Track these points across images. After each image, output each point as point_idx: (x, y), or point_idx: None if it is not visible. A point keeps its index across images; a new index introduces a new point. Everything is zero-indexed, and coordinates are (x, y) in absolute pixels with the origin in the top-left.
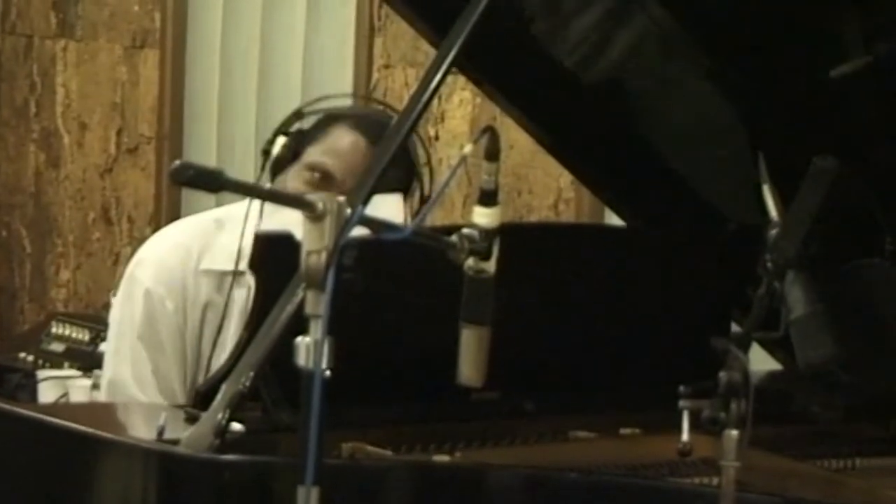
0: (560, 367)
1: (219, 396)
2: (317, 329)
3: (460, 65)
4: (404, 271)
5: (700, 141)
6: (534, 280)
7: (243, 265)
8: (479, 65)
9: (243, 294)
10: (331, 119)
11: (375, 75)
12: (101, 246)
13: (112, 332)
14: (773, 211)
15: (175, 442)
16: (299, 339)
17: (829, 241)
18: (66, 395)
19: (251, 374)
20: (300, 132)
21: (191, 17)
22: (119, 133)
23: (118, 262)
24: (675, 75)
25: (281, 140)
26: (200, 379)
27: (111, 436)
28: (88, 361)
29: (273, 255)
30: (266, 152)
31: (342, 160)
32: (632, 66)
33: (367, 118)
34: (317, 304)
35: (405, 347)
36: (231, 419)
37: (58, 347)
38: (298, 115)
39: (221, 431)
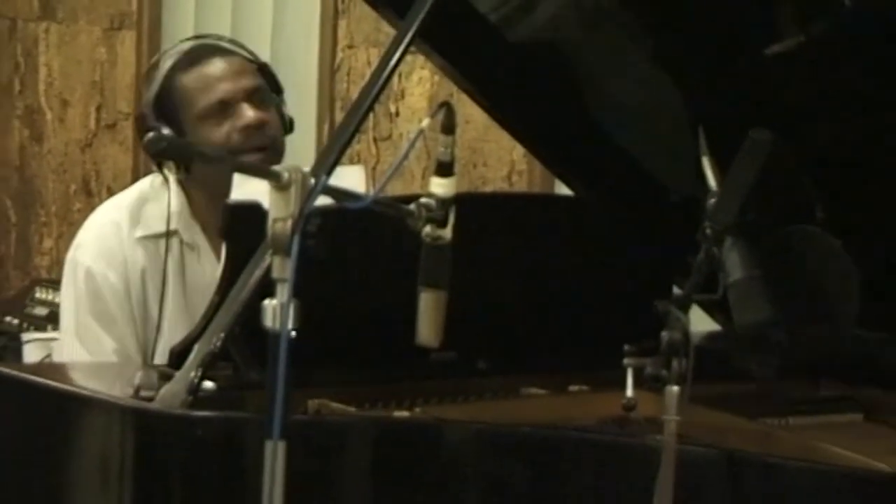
0: (512, 328)
1: (191, 356)
2: (283, 292)
3: (418, 44)
4: (367, 238)
5: (643, 116)
6: (488, 247)
7: (172, 226)
8: (435, 44)
9: (175, 249)
10: (172, 76)
11: (340, 55)
12: (81, 216)
13: (64, 315)
14: (711, 182)
15: (150, 399)
16: (266, 301)
17: (764, 209)
18: (49, 355)
19: (222, 335)
20: (162, 119)
21: (165, 3)
22: (98, 110)
23: None
24: (619, 53)
25: (165, 130)
26: (151, 342)
27: (90, 393)
28: None
29: (241, 223)
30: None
31: (216, 81)
32: (565, 32)
33: (189, 51)
34: (283, 269)
35: (367, 310)
36: (203, 378)
37: (41, 311)
38: (143, 117)
39: (194, 389)
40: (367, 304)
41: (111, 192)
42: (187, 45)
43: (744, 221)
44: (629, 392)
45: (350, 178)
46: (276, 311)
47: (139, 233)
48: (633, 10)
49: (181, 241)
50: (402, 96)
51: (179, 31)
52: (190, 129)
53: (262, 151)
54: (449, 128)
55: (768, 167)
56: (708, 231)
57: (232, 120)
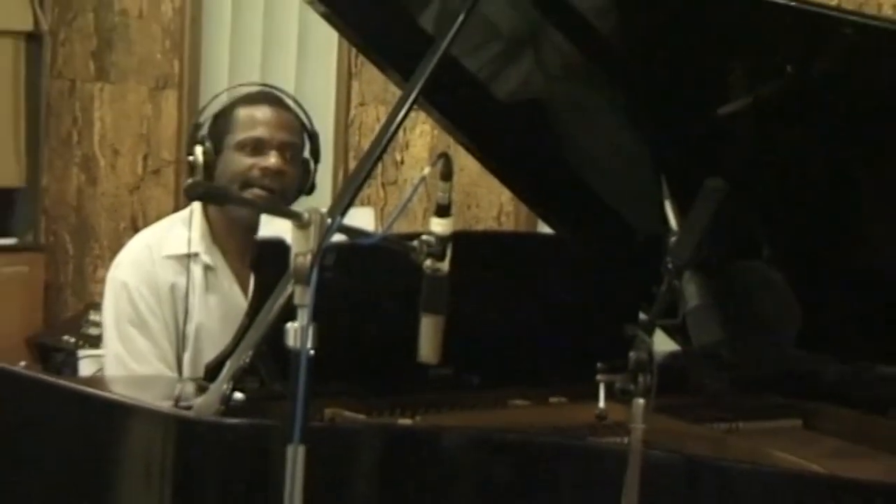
0: (501, 348)
1: (224, 371)
2: (303, 316)
3: (420, 103)
4: (375, 270)
5: (614, 165)
6: (481, 277)
7: (194, 249)
8: (434, 103)
9: (199, 271)
10: (233, 106)
11: (353, 111)
12: None
13: (106, 324)
14: (672, 222)
15: (188, 408)
16: (289, 324)
17: (718, 247)
18: (101, 369)
19: (250, 352)
20: (210, 134)
21: (203, 64)
22: (145, 158)
23: None
24: (594, 111)
25: (199, 148)
26: (182, 346)
27: (136, 403)
28: None
29: (268, 257)
30: (191, 163)
31: (262, 125)
32: (547, 94)
33: (257, 93)
34: (303, 296)
35: (376, 332)
36: (234, 390)
37: (95, 331)
38: (198, 126)
39: (226, 399)
40: (376, 326)
41: None
42: (257, 87)
43: (700, 257)
44: (601, 403)
45: (361, 218)
46: (298, 333)
47: (165, 252)
48: (607, 74)
49: (203, 263)
50: (407, 147)
51: (215, 90)
52: (225, 151)
53: (271, 193)
54: (446, 175)
55: (721, 211)
56: (669, 265)
57: (258, 159)
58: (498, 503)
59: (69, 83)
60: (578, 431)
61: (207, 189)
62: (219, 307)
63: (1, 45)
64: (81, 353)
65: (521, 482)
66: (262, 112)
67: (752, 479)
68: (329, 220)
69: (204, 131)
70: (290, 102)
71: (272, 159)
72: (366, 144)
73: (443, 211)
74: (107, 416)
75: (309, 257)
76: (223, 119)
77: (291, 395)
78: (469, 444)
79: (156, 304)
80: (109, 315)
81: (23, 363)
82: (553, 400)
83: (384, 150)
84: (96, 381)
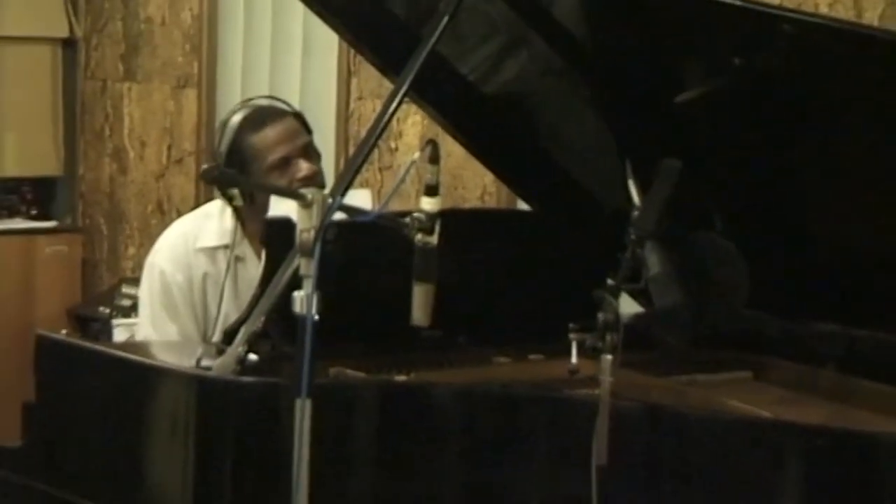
0: (485, 312)
1: (239, 335)
2: (308, 285)
3: (410, 96)
4: (374, 245)
5: (584, 149)
6: (466, 249)
7: (225, 241)
8: (423, 95)
9: (229, 262)
10: (240, 140)
11: (352, 105)
12: (157, 230)
13: (142, 304)
14: (635, 198)
15: (208, 368)
16: (296, 293)
17: (677, 220)
18: (132, 336)
19: (262, 318)
20: (226, 164)
21: (219, 65)
22: (169, 149)
23: None
24: (567, 101)
25: (235, 191)
26: (209, 329)
27: (162, 364)
28: None
29: (277, 233)
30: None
31: (278, 143)
32: (525, 87)
33: (256, 115)
34: (308, 268)
35: (374, 300)
36: (248, 351)
37: (126, 302)
38: (217, 167)
39: (242, 360)
40: (375, 294)
41: (179, 212)
42: (248, 109)
43: (660, 229)
44: (574, 359)
45: (360, 198)
46: (303, 300)
47: (199, 244)
48: (577, 71)
49: (233, 255)
50: (400, 136)
51: (230, 88)
52: (260, 179)
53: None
54: (434, 159)
55: (679, 189)
56: (632, 236)
57: (292, 172)
58: (482, 449)
59: (101, 83)
60: (553, 385)
61: (221, 173)
62: (247, 293)
63: (40, 51)
64: (115, 322)
65: (503, 430)
66: (272, 131)
67: (708, 423)
68: (330, 200)
69: (226, 167)
70: (278, 105)
71: (303, 167)
72: (363, 134)
73: (431, 191)
74: (137, 376)
75: (312, 233)
76: (239, 154)
77: (298, 355)
78: (455, 396)
79: (188, 290)
80: (145, 296)
81: (64, 331)
82: (531, 357)
83: (378, 139)
84: (128, 346)
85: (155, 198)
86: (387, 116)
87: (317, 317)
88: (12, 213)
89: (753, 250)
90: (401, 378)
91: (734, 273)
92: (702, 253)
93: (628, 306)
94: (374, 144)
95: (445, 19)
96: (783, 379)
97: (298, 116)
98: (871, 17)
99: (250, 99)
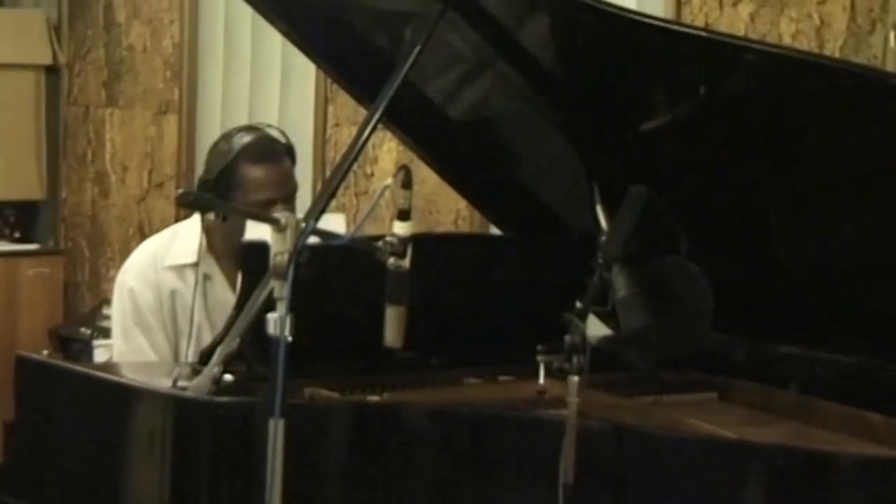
0: (456, 334)
1: (215, 356)
2: (281, 307)
3: (384, 122)
4: (349, 269)
5: (554, 175)
6: (439, 273)
7: (193, 260)
8: (395, 122)
9: (196, 279)
10: (235, 165)
11: (329, 131)
12: None
13: (114, 322)
14: (603, 223)
15: (184, 388)
16: (269, 314)
17: (643, 244)
18: (111, 357)
19: (238, 340)
20: (221, 192)
21: (200, 91)
22: (150, 173)
23: None
24: (534, 127)
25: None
26: (181, 344)
27: (139, 384)
28: None
29: (252, 256)
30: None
31: (268, 186)
32: (493, 113)
33: (257, 150)
34: (281, 290)
35: (348, 321)
36: (224, 372)
37: (107, 323)
38: (206, 182)
39: (217, 380)
40: (349, 317)
41: None
42: (253, 137)
43: (627, 253)
44: (541, 381)
45: (335, 223)
46: (276, 322)
47: (168, 262)
48: (547, 98)
49: (201, 273)
50: (376, 161)
51: (210, 114)
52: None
53: None
54: (406, 184)
55: (645, 214)
56: (600, 260)
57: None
58: (452, 467)
59: (84, 109)
60: (522, 405)
61: (196, 197)
62: (214, 310)
63: (24, 77)
64: (95, 342)
65: (472, 448)
66: (266, 172)
67: (670, 442)
68: (303, 225)
69: (211, 186)
70: (278, 141)
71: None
72: (339, 159)
73: (404, 215)
74: (115, 396)
75: (286, 256)
76: (229, 179)
77: (271, 375)
78: (426, 416)
79: (157, 308)
80: (116, 314)
81: (45, 352)
82: (501, 378)
83: (352, 165)
84: (107, 366)
85: (136, 221)
86: (360, 143)
87: (290, 338)
88: None
89: (719, 273)
90: (374, 398)
91: (698, 296)
92: (667, 276)
93: (597, 329)
94: (348, 170)
95: (417, 48)
96: (747, 400)
97: (291, 151)
98: (833, 48)
99: (258, 125)
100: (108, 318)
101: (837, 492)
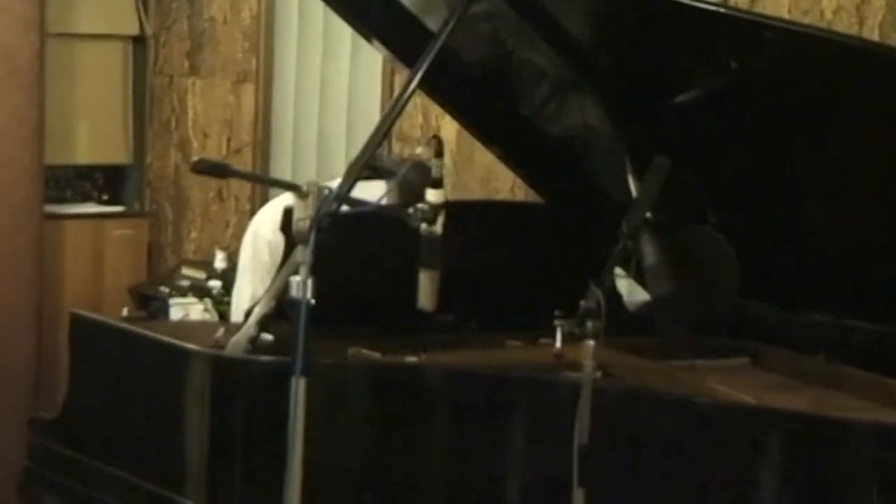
0: (495, 298)
1: (252, 316)
2: (304, 271)
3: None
4: (388, 232)
5: (594, 146)
6: (476, 238)
7: None
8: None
9: None
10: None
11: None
12: (217, 216)
13: (244, 268)
14: (635, 193)
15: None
16: (291, 278)
17: (673, 213)
18: (187, 314)
19: (274, 300)
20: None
21: (276, 61)
22: (228, 140)
23: (228, 226)
24: (576, 103)
25: None
26: None
27: (180, 343)
28: (202, 293)
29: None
30: None
31: None
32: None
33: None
34: (303, 254)
35: (388, 285)
36: (261, 331)
37: (185, 283)
38: None
39: (253, 339)
40: (388, 280)
41: (237, 199)
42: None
43: (654, 222)
44: (558, 344)
45: (378, 189)
46: (299, 285)
47: None
48: (587, 74)
49: None
50: (439, 130)
51: (284, 84)
52: None
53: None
54: (439, 153)
55: (671, 184)
56: (624, 229)
57: None
58: (468, 427)
59: (168, 78)
60: (556, 368)
61: (209, 164)
62: None
63: (113, 47)
64: (172, 301)
65: (491, 410)
66: None
67: (684, 405)
68: (326, 191)
69: None
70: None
71: None
72: (405, 127)
73: (436, 183)
74: (159, 354)
75: (308, 222)
76: None
77: (293, 337)
78: (446, 377)
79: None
80: (247, 262)
81: (125, 309)
82: (542, 341)
83: (387, 133)
84: (157, 326)
85: (216, 185)
86: (395, 111)
87: (313, 301)
88: (85, 198)
89: (751, 243)
90: (412, 359)
91: (724, 264)
92: (694, 245)
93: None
94: (383, 139)
95: (453, 21)
96: (777, 366)
97: None
98: (873, 24)
99: None
100: (186, 277)
101: (850, 457)
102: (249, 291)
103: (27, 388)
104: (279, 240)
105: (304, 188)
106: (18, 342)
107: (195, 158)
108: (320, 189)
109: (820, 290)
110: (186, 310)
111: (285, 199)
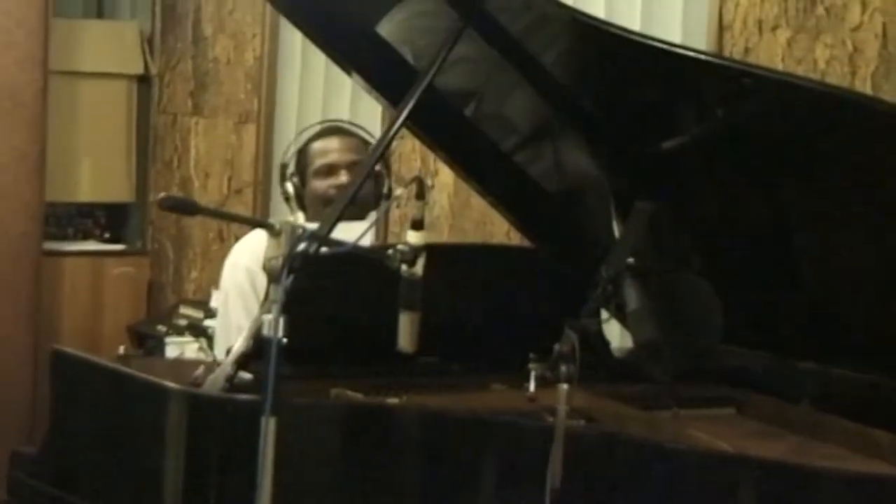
0: (476, 342)
1: (231, 354)
2: (275, 310)
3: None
4: (371, 278)
5: (581, 190)
6: (461, 282)
7: None
8: (432, 137)
9: None
10: (309, 143)
11: (394, 143)
12: (217, 255)
13: (230, 300)
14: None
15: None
16: (264, 316)
17: (656, 259)
18: (182, 353)
19: (252, 339)
20: (297, 169)
21: (278, 102)
22: (230, 179)
23: None
24: (562, 148)
25: (288, 185)
26: None
27: (157, 380)
28: (198, 332)
29: None
30: (285, 195)
31: (331, 152)
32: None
33: (324, 128)
34: (275, 293)
35: (372, 326)
36: (239, 370)
37: (183, 322)
38: (284, 165)
39: (231, 378)
40: (372, 321)
41: (237, 239)
42: (325, 123)
43: (637, 267)
44: (531, 388)
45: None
46: (270, 323)
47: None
48: (572, 119)
49: None
50: (437, 174)
51: (286, 124)
52: (308, 179)
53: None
54: (420, 195)
55: (654, 229)
56: (603, 273)
57: (331, 180)
58: (442, 468)
59: (172, 117)
60: (537, 412)
61: (177, 201)
62: None
63: (118, 86)
64: (168, 339)
65: (463, 451)
66: (330, 142)
67: (660, 451)
68: (300, 230)
69: (291, 168)
70: (352, 128)
71: (342, 178)
72: (404, 170)
73: (417, 225)
74: (137, 391)
75: (280, 261)
76: (302, 156)
77: (263, 375)
78: (419, 420)
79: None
80: (232, 294)
81: (122, 347)
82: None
83: (369, 173)
84: (137, 362)
85: (216, 226)
86: (381, 148)
87: (285, 340)
88: (86, 236)
89: (735, 288)
90: (394, 400)
91: (708, 311)
92: (678, 290)
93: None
94: (366, 178)
95: (440, 59)
96: (761, 413)
97: (367, 143)
98: (865, 74)
99: (329, 120)
100: (184, 317)
101: None
102: (234, 321)
103: (22, 423)
104: (258, 269)
105: (277, 226)
106: (14, 377)
107: (161, 195)
108: (294, 228)
109: (805, 337)
110: (182, 349)
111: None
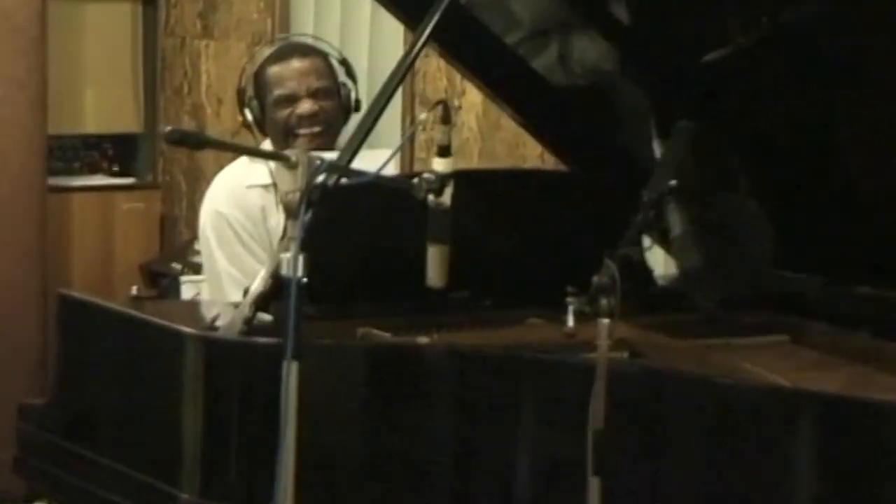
0: (510, 275)
1: (248, 295)
2: (293, 247)
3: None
4: (400, 212)
5: (619, 109)
6: (486, 210)
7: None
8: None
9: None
10: (264, 66)
11: (417, 62)
12: None
13: (211, 249)
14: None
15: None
16: (282, 254)
17: (702, 180)
18: (199, 293)
19: (270, 279)
20: (256, 95)
21: (292, 22)
22: None
23: None
24: (601, 63)
25: (247, 111)
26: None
27: (172, 325)
28: None
29: None
30: (245, 123)
31: (290, 79)
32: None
33: (281, 49)
34: (293, 230)
35: (398, 262)
36: (257, 311)
37: (198, 259)
38: (242, 90)
39: (249, 320)
40: (404, 258)
41: None
42: (281, 43)
43: (678, 189)
44: (570, 323)
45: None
46: (288, 262)
47: (250, 182)
48: (612, 32)
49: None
50: (464, 93)
51: None
52: (268, 108)
53: (317, 135)
54: (445, 119)
55: (697, 150)
56: (645, 198)
57: (294, 107)
58: (473, 410)
59: (180, 40)
60: (577, 348)
61: (183, 134)
62: None
63: (122, 9)
64: (183, 278)
65: (495, 391)
66: (289, 67)
67: (709, 387)
68: (318, 161)
69: (250, 92)
70: (309, 42)
71: (305, 105)
72: (429, 90)
73: (443, 151)
74: (150, 336)
75: (298, 195)
76: (260, 80)
77: (283, 317)
78: (448, 357)
79: (251, 226)
80: (212, 242)
81: (135, 288)
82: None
83: (391, 96)
84: (147, 306)
85: (231, 156)
86: (401, 72)
87: (304, 279)
88: (93, 170)
89: (787, 210)
90: (424, 339)
91: (757, 234)
92: (724, 213)
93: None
94: (386, 103)
95: None
96: (817, 342)
97: (327, 58)
98: None
99: (285, 36)
100: (198, 253)
101: (886, 440)
102: (222, 270)
103: (31, 370)
104: (231, 209)
105: (293, 158)
106: (21, 322)
107: (167, 128)
108: (311, 159)
109: (862, 260)
110: (198, 288)
111: (234, 170)
